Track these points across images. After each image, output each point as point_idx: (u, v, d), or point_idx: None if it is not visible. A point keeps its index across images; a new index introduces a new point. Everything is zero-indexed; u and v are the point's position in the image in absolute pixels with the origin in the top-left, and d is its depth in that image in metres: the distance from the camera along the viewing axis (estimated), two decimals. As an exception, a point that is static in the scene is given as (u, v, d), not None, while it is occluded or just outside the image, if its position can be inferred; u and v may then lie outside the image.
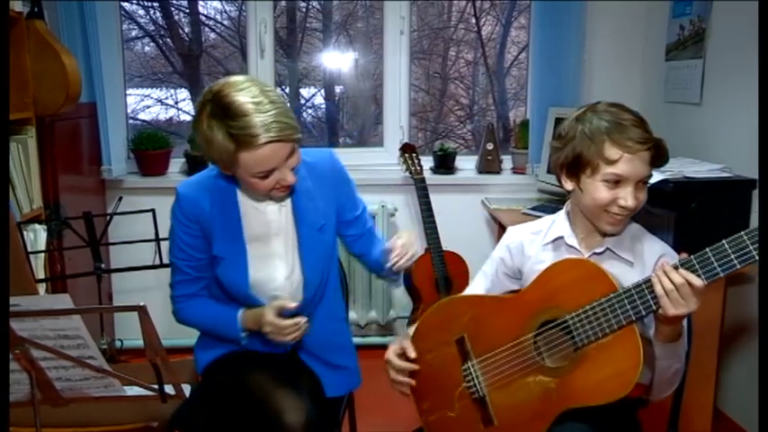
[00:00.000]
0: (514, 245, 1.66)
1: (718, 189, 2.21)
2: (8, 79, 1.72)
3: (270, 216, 1.65)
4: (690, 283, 1.28)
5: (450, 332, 1.61)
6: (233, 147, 1.43)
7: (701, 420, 2.32)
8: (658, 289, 1.31)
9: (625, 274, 1.44)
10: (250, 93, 1.45)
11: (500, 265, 1.68)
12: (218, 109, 1.44)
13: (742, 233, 1.25)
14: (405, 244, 1.64)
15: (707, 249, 1.28)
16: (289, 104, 1.55)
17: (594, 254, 1.53)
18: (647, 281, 1.36)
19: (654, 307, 1.35)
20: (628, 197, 1.43)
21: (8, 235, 2.45)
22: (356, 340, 3.42)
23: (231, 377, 1.67)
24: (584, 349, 1.42)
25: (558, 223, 1.61)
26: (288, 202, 1.67)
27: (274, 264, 1.67)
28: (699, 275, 1.28)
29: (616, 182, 1.43)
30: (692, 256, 1.30)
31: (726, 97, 2.63)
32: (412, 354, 1.57)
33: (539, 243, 1.61)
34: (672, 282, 1.29)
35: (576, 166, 1.47)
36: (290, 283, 1.67)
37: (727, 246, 1.26)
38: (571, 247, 1.56)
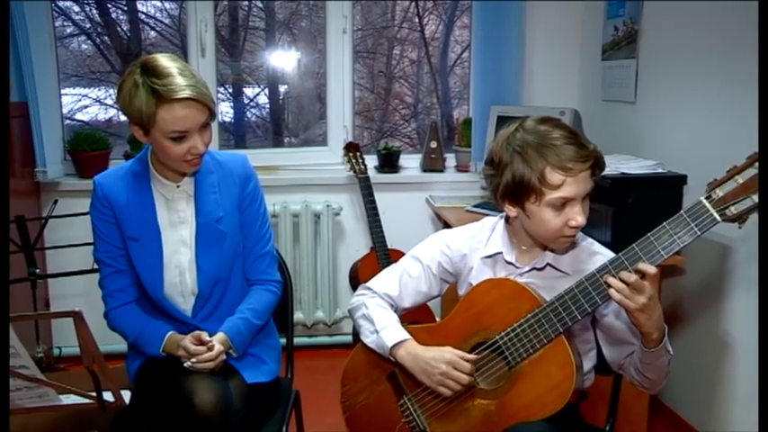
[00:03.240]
0: (457, 254, 1.63)
1: (652, 184, 2.29)
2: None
3: (178, 206, 1.73)
4: (643, 273, 1.30)
5: (381, 369, 1.61)
6: (153, 101, 1.53)
7: (638, 408, 2.40)
8: (614, 294, 1.31)
9: (564, 286, 1.42)
10: (176, 63, 1.59)
11: (438, 267, 1.64)
12: (144, 70, 1.56)
13: (682, 212, 1.31)
14: (211, 356, 1.63)
15: (648, 235, 1.32)
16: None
17: (535, 269, 1.53)
18: (570, 291, 1.39)
19: (579, 316, 1.38)
20: (577, 216, 1.40)
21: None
22: (304, 341, 3.49)
23: (158, 379, 1.68)
24: (518, 367, 1.44)
25: (496, 235, 1.59)
26: (193, 194, 1.74)
27: (180, 250, 1.73)
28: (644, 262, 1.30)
29: (563, 204, 1.40)
30: (632, 245, 1.33)
31: (658, 96, 2.73)
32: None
33: (479, 255, 1.60)
34: (623, 281, 1.30)
35: (517, 193, 1.42)
36: (190, 274, 1.72)
37: (668, 227, 1.31)
38: (509, 263, 1.55)
